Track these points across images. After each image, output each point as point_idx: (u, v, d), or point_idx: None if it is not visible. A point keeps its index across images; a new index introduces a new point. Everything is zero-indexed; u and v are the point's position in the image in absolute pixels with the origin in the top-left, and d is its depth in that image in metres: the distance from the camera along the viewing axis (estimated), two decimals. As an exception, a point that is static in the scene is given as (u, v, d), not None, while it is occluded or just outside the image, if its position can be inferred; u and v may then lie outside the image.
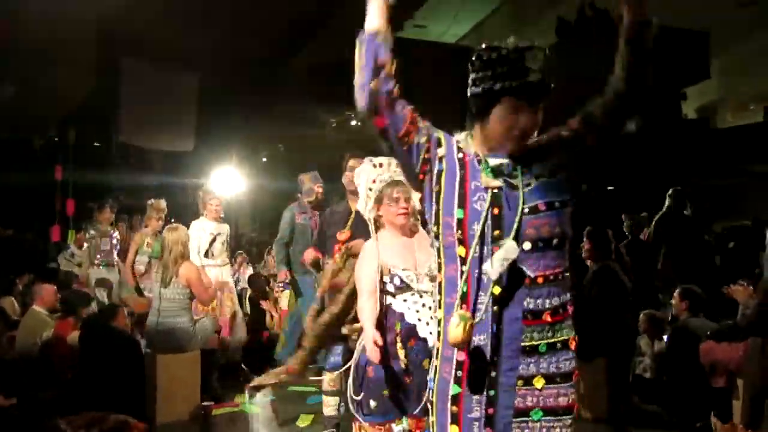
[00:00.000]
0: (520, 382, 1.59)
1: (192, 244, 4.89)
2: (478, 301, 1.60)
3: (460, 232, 1.61)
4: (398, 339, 2.57)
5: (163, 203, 6.11)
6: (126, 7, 7.36)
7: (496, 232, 1.58)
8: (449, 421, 1.62)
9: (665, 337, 4.73)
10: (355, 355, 2.72)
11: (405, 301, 2.59)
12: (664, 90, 11.82)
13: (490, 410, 1.59)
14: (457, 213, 1.62)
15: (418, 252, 2.59)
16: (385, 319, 2.62)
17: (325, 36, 10.21)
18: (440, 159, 1.69)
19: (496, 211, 1.59)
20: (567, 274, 1.64)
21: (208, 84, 9.92)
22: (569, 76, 11.13)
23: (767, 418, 3.16)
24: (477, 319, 1.58)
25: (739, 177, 10.61)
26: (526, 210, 1.58)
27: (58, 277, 6.68)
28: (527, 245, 1.57)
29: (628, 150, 11.37)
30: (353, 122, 13.44)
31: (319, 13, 9.33)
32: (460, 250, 1.62)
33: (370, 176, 2.77)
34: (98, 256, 6.68)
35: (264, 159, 15.03)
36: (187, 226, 4.99)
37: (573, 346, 1.63)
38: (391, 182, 2.69)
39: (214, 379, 4.86)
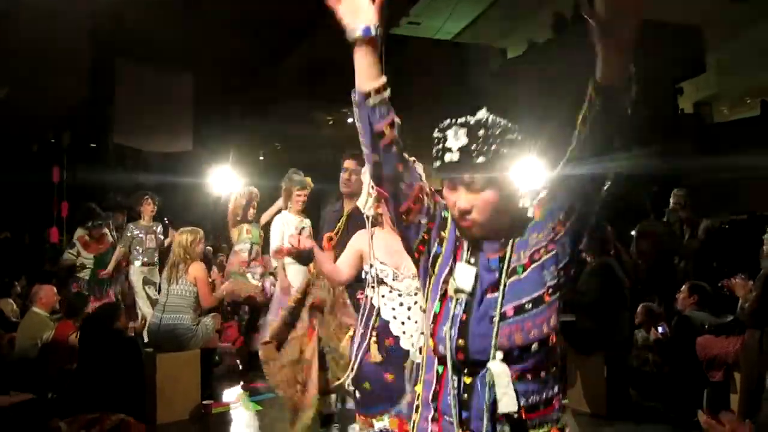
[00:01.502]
0: None
1: (275, 240, 4.65)
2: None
3: (432, 327, 1.48)
4: (373, 333, 2.59)
5: (256, 190, 5.84)
6: (121, 9, 7.35)
7: (460, 342, 1.43)
8: None
9: (660, 328, 4.75)
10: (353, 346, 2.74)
11: (383, 296, 2.61)
12: (659, 84, 11.84)
13: None
14: (435, 307, 1.49)
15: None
16: (364, 310, 2.67)
17: (320, 34, 10.21)
18: (440, 241, 1.55)
19: (464, 317, 1.44)
20: (554, 368, 1.47)
21: (205, 84, 9.92)
22: (566, 72, 11.13)
23: (763, 410, 3.18)
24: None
25: (736, 171, 10.63)
26: (496, 318, 1.40)
27: (62, 275, 6.56)
28: (499, 355, 1.40)
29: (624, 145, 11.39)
30: (350, 120, 13.45)
31: (314, 12, 9.32)
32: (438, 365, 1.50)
33: None
34: (139, 252, 6.26)
35: (261, 157, 15.03)
36: (187, 225, 4.93)
37: None
38: None
39: (213, 378, 4.87)
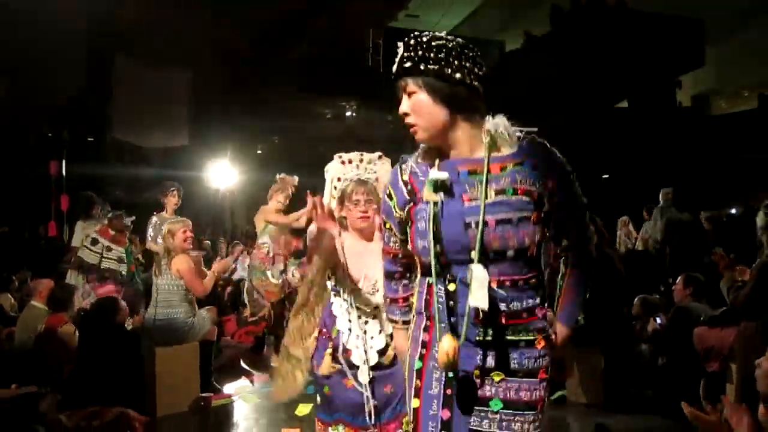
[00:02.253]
0: (477, 372, 1.61)
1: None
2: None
3: (414, 242, 1.68)
4: (331, 343, 2.50)
5: (295, 178, 5.72)
6: (118, 3, 7.33)
7: (437, 248, 1.59)
8: (413, 394, 1.71)
9: (658, 319, 4.77)
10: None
11: (340, 306, 2.50)
12: (658, 78, 11.85)
13: (448, 390, 1.63)
14: (415, 228, 1.68)
15: (372, 260, 2.28)
16: (328, 317, 2.56)
17: (318, 29, 10.19)
18: (396, 209, 1.74)
19: (435, 228, 1.59)
20: (533, 280, 1.63)
21: (202, 78, 9.90)
22: (564, 64, 11.14)
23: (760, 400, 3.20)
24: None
25: (733, 164, 10.66)
26: (473, 225, 1.56)
27: (99, 275, 6.02)
28: (474, 255, 1.56)
29: (623, 138, 11.40)
30: (348, 113, 13.44)
31: (312, 6, 9.31)
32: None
33: (336, 173, 2.59)
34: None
35: (259, 152, 15.02)
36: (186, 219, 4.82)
37: (540, 345, 1.64)
38: (357, 181, 2.49)
39: (212, 371, 4.89)
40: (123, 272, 6.21)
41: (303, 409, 4.26)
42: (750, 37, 12.53)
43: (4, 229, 10.06)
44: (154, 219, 6.15)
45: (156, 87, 9.46)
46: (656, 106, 12.07)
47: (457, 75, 1.55)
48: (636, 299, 5.16)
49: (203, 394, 4.44)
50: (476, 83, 1.58)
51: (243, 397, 4.70)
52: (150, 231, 6.14)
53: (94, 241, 6.19)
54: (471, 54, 1.59)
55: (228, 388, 4.98)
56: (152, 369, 4.32)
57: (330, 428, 2.54)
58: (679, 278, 4.58)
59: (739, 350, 3.44)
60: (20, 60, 7.97)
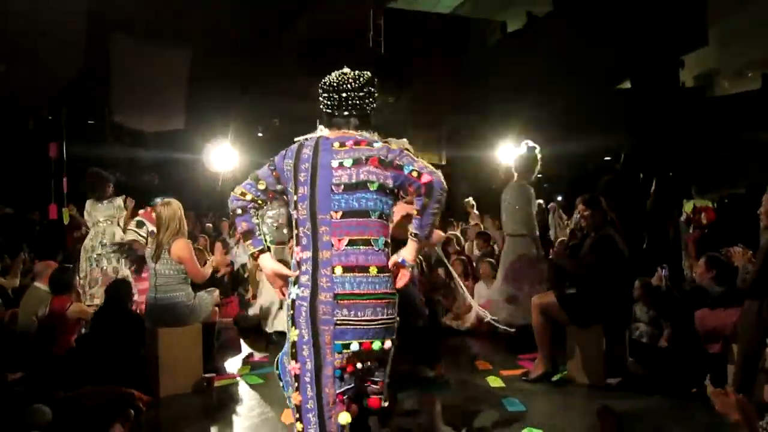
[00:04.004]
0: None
1: None
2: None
3: None
4: None
5: None
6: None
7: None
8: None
9: (664, 270, 4.76)
10: None
11: None
12: (661, 58, 11.74)
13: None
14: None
15: None
16: None
17: (319, 9, 10.09)
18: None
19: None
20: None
21: (203, 59, 9.81)
22: (566, 44, 11.02)
23: (759, 381, 3.21)
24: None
25: (737, 145, 10.61)
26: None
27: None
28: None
29: (626, 119, 11.34)
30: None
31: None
32: None
33: None
34: None
35: (260, 134, 14.95)
36: (183, 203, 4.75)
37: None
38: None
39: (215, 352, 4.91)
40: None
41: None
42: (753, 17, 12.40)
43: (8, 210, 10.05)
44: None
45: (154, 69, 9.38)
46: (659, 87, 11.98)
47: None
48: (636, 281, 5.16)
49: (206, 375, 4.46)
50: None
51: (246, 378, 4.73)
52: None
53: (140, 224, 5.95)
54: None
55: (230, 369, 5.01)
56: (155, 350, 4.34)
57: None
58: (701, 260, 4.50)
59: (742, 330, 3.44)
60: (18, 42, 7.89)
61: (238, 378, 4.74)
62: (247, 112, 12.36)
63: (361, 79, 2.33)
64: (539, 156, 5.51)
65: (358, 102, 2.31)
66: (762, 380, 3.19)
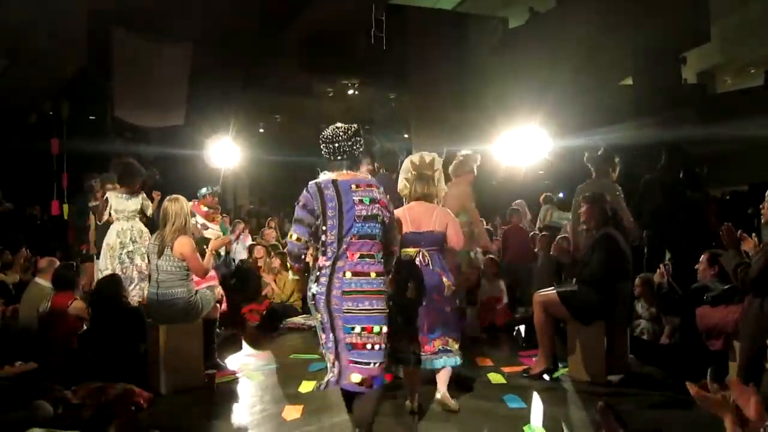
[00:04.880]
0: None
1: None
2: None
3: None
4: None
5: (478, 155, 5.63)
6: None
7: None
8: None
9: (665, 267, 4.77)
10: None
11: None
12: (664, 54, 11.69)
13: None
14: None
15: None
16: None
17: (319, 5, 10.07)
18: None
19: None
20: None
21: (204, 55, 9.80)
22: (570, 39, 10.95)
23: (765, 378, 3.21)
24: None
25: (738, 141, 10.57)
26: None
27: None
28: None
29: (627, 116, 11.29)
30: (350, 92, 13.34)
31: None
32: None
33: None
34: None
35: (261, 130, 14.95)
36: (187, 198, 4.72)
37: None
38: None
39: (216, 348, 4.91)
40: (221, 253, 5.86)
41: (306, 386, 4.29)
42: (756, 14, 12.36)
43: (9, 206, 10.05)
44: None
45: (155, 65, 9.36)
46: (661, 83, 11.94)
47: None
48: (637, 278, 5.15)
49: (208, 371, 4.46)
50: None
51: (247, 375, 4.73)
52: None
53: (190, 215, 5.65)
54: None
55: (231, 365, 5.01)
56: (157, 347, 4.34)
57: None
58: (702, 257, 4.48)
59: (745, 327, 3.43)
60: (20, 38, 7.88)
61: (240, 375, 4.74)
62: (248, 108, 12.35)
63: (350, 131, 2.98)
64: (617, 159, 5.42)
65: (347, 149, 2.95)
66: (766, 377, 3.19)
